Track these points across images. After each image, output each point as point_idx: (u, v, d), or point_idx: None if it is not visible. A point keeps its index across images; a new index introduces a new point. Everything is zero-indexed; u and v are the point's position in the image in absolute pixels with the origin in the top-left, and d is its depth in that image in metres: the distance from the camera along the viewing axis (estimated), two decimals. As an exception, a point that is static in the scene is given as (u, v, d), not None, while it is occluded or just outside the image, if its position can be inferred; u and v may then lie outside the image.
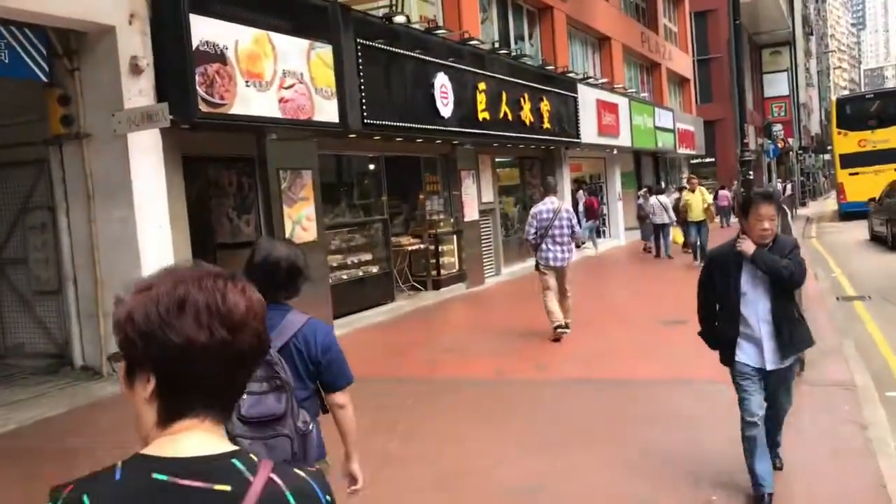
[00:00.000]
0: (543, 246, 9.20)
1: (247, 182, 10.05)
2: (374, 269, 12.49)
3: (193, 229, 9.63)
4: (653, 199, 20.79)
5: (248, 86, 8.69)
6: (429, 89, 12.36)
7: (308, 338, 2.76)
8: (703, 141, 35.52)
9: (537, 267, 9.43)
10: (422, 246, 13.90)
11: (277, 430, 2.49)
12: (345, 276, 11.79)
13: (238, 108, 8.52)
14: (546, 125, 16.89)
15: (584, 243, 21.54)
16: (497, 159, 17.15)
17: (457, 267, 14.75)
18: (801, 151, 52.49)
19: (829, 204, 46.14)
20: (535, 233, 9.24)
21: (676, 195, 26.02)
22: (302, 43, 9.62)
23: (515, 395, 7.10)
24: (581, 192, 22.02)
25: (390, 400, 6.93)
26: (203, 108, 8.06)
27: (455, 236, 14.73)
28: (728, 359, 4.47)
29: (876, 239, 19.61)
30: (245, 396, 2.38)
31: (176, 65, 8.02)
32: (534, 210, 9.47)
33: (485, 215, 15.79)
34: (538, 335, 9.92)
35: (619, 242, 24.17)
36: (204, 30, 8.14)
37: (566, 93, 18.29)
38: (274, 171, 9.86)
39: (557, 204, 9.36)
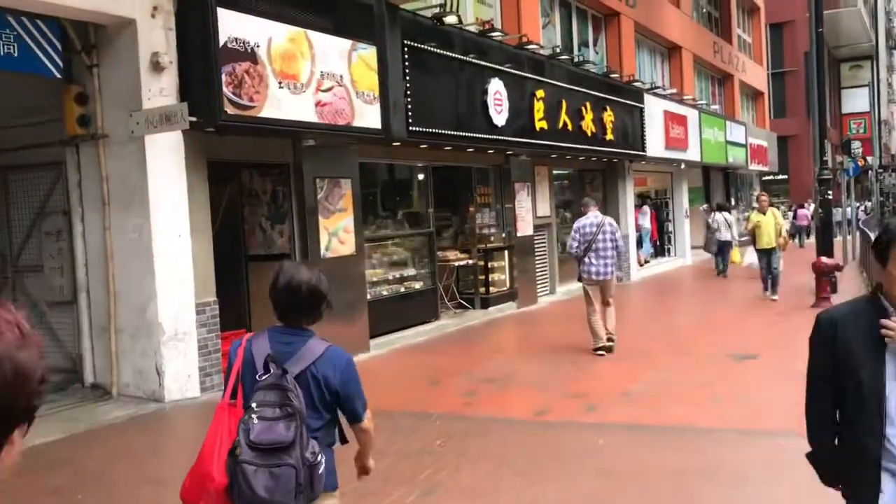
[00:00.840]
0: (587, 259, 9.35)
1: (281, 191, 9.41)
2: (418, 286, 11.75)
3: (222, 240, 9.04)
4: (717, 216, 19.59)
5: (281, 87, 8.05)
6: (482, 96, 11.58)
7: (327, 368, 2.70)
8: (776, 157, 33.86)
9: (580, 279, 9.63)
10: (470, 261, 13.11)
11: (283, 460, 2.49)
12: (385, 293, 11.07)
13: (269, 111, 7.88)
14: (609, 136, 15.93)
15: (647, 261, 20.47)
16: (555, 171, 16.25)
17: (508, 284, 13.90)
18: (881, 170, 49.97)
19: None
20: (578, 246, 9.37)
21: (747, 214, 24.55)
22: (343, 43, 8.95)
23: (559, 441, 6.23)
24: (645, 206, 20.87)
25: (415, 441, 6.15)
26: (229, 109, 7.44)
27: (507, 252, 13.88)
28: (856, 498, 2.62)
29: None
30: (255, 421, 2.51)
31: (201, 63, 7.43)
32: (577, 224, 9.55)
33: (540, 230, 14.91)
34: (590, 362, 9.02)
35: (686, 262, 22.92)
36: (233, 25, 7.53)
37: (632, 103, 17.28)
38: (310, 179, 9.22)
39: (601, 218, 9.49)
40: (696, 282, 19.03)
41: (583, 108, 14.78)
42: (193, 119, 7.04)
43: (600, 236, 9.27)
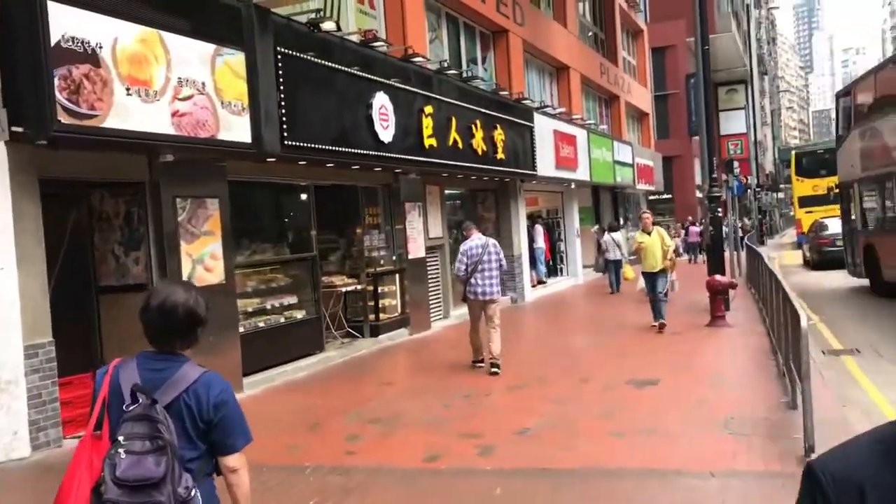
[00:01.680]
0: (472, 280, 9.67)
1: (136, 213, 8.32)
2: (300, 315, 10.79)
3: (67, 270, 7.87)
4: (606, 237, 19.52)
5: (129, 94, 7.01)
6: (366, 110, 10.80)
7: (200, 393, 2.52)
8: (661, 177, 34.61)
9: (464, 299, 9.97)
10: (358, 286, 12.25)
11: (153, 497, 2.33)
12: (261, 324, 10.07)
13: (115, 122, 6.83)
14: (500, 155, 15.45)
15: (542, 282, 20.12)
16: (447, 191, 15.64)
17: (399, 310, 13.11)
18: (758, 189, 52.23)
19: (787, 243, 45.65)
20: (465, 269, 9.68)
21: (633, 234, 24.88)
22: (205, 47, 8.00)
23: (452, 492, 5.47)
24: (538, 225, 20.55)
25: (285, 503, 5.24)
26: (64, 118, 6.36)
27: (397, 275, 13.11)
28: None
29: (806, 263, 26.50)
30: (123, 455, 2.33)
31: (28, 64, 6.33)
32: (463, 247, 9.85)
33: (432, 252, 14.25)
34: (484, 393, 8.32)
35: (578, 281, 22.78)
36: (69, 22, 6.47)
37: (522, 122, 16.91)
38: (169, 199, 8.19)
39: (485, 240, 9.90)
40: (589, 302, 18.77)
41: (473, 126, 14.24)
42: (18, 129, 5.96)
43: (485, 257, 9.65)
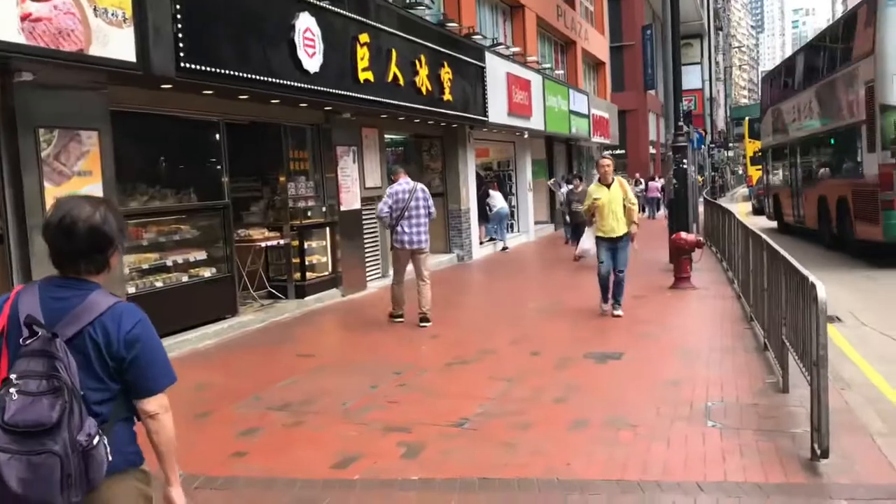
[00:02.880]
0: (399, 228, 9.20)
1: (-15, 145, 6.66)
2: (208, 273, 9.26)
3: None
4: (565, 188, 18.36)
5: (-45, -14, 5.35)
6: (288, 32, 9.19)
7: (109, 327, 2.21)
8: (617, 130, 33.42)
9: (392, 248, 9.56)
10: (282, 241, 10.73)
11: (45, 446, 2.06)
12: (159, 283, 8.52)
13: (-68, 20, 5.18)
14: (447, 97, 13.95)
15: (491, 238, 18.81)
16: (387, 136, 14.10)
17: (329, 268, 11.66)
18: (711, 145, 51.60)
19: (739, 197, 45.19)
20: (390, 211, 9.18)
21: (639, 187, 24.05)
22: (70, -65, 6.31)
23: (363, 517, 4.12)
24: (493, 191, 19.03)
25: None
26: None
27: (328, 229, 11.62)
28: None
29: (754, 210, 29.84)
30: (15, 396, 2.09)
31: None
32: (390, 189, 9.41)
33: (369, 203, 12.75)
34: (417, 370, 6.97)
35: (529, 238, 21.54)
36: None
37: (472, 61, 15.38)
38: (28, 129, 6.55)
39: (413, 184, 9.33)
40: (542, 260, 17.53)
41: (416, 62, 12.69)
42: None
43: (413, 203, 9.15)
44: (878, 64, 12.82)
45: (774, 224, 22.51)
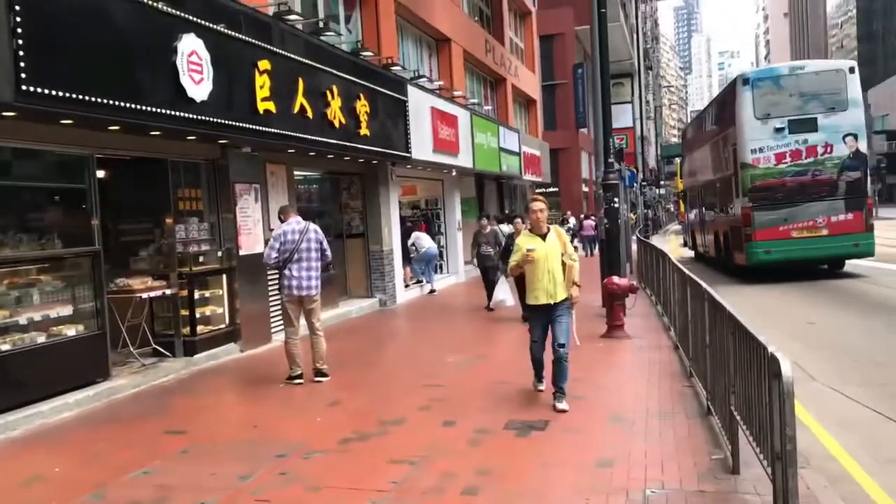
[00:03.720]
0: (287, 272, 8.31)
1: None
2: (72, 331, 7.94)
3: None
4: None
5: None
6: (168, 55, 8.05)
7: None
8: (549, 168, 32.94)
9: (281, 298, 8.71)
10: (168, 291, 9.45)
11: None
12: (6, 346, 7.18)
13: None
14: (364, 131, 12.94)
15: (418, 281, 17.75)
16: (299, 172, 12.99)
17: (226, 320, 10.40)
18: (644, 183, 51.85)
19: (674, 238, 45.27)
20: (278, 256, 8.28)
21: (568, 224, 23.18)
22: None
23: None
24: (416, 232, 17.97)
25: None
26: None
27: (224, 276, 10.39)
28: None
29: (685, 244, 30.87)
30: None
31: None
32: (277, 231, 8.53)
33: (276, 247, 11.57)
34: (309, 451, 5.81)
35: (458, 279, 20.55)
36: None
37: (392, 94, 14.45)
38: None
39: (304, 224, 8.52)
40: (468, 304, 16.49)
41: (328, 92, 11.66)
42: None
43: (304, 245, 8.30)
44: (738, 131, 17.18)
45: (692, 253, 26.81)
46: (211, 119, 8.72)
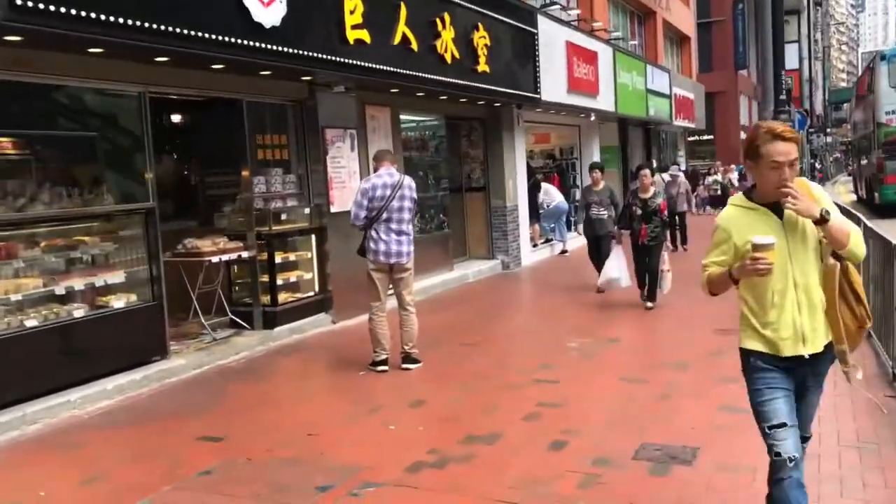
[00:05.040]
0: (373, 233, 6.72)
1: None
2: (121, 303, 6.76)
3: None
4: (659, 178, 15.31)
5: None
6: (227, -31, 6.59)
7: None
8: (703, 113, 29.79)
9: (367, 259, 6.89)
10: (245, 254, 8.17)
11: None
12: (33, 322, 6.04)
13: None
14: (483, 67, 11.15)
15: (547, 240, 15.90)
16: (406, 116, 11.39)
17: (315, 287, 9.05)
18: (810, 130, 46.92)
19: (842, 190, 40.63)
20: (367, 215, 6.68)
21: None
22: None
23: None
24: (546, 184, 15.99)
25: None
26: None
27: (313, 236, 9.01)
28: None
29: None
30: None
31: None
32: (365, 185, 6.84)
33: (378, 202, 10.08)
34: (365, 483, 4.26)
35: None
36: None
37: (519, 24, 12.53)
38: None
39: (398, 177, 6.83)
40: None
41: (438, 21, 9.94)
42: None
43: (395, 202, 6.68)
44: (875, 97, 21.79)
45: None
46: (284, 49, 7.22)
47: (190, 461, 4.84)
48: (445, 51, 10.12)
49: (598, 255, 10.58)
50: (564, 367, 6.79)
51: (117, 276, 6.81)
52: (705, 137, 40.35)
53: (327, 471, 4.57)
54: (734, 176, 26.84)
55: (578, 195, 18.15)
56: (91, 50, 5.96)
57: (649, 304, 9.06)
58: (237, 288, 8.70)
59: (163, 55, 6.43)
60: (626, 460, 4.57)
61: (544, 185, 15.40)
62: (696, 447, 4.72)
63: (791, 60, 48.93)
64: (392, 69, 8.96)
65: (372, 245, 6.70)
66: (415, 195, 6.87)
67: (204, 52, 6.48)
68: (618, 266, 9.37)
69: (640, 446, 4.76)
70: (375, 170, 6.94)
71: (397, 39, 9.06)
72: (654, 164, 19.46)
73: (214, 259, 7.77)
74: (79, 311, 6.38)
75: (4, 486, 4.58)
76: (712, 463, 4.51)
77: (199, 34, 6.30)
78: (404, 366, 6.80)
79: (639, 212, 9.03)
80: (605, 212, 10.53)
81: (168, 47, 6.17)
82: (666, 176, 16.23)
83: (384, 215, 6.62)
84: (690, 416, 5.37)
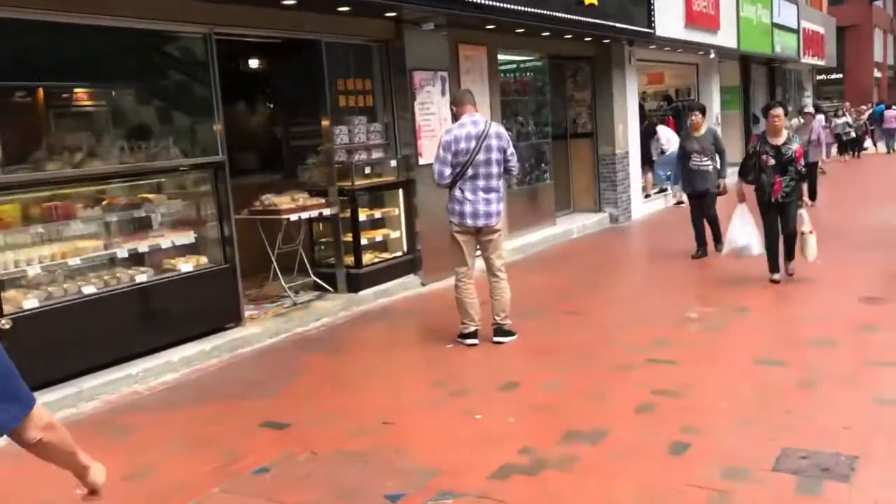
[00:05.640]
0: (457, 193, 5.85)
1: None
2: (189, 266, 6.23)
3: None
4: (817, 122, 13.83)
5: None
6: None
7: None
8: (833, 49, 27.18)
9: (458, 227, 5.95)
10: (326, 211, 7.51)
11: None
12: (91, 288, 5.56)
13: None
14: (590, 0, 10.01)
15: (661, 190, 14.65)
16: (503, 56, 10.40)
17: (404, 247, 8.34)
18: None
19: None
20: (451, 174, 5.79)
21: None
22: None
23: None
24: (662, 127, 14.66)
25: None
26: None
27: (401, 192, 8.27)
28: None
29: None
30: None
31: None
32: (446, 137, 5.84)
33: (474, 152, 9.22)
34: (441, 492, 3.54)
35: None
36: None
37: (630, -49, 11.25)
38: None
39: (483, 125, 5.82)
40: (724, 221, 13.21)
41: (539, -54, 8.86)
42: None
43: (481, 155, 5.75)
44: None
45: None
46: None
47: (248, 454, 4.22)
48: (548, -19, 9.05)
49: (700, 215, 9.05)
50: (683, 344, 5.82)
51: (185, 237, 6.29)
52: (833, 76, 37.29)
53: (400, 473, 3.86)
54: (864, 118, 24.65)
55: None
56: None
57: (790, 272, 7.42)
58: (321, 247, 8.08)
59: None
60: (764, 472, 3.65)
61: (661, 128, 14.06)
62: (854, 456, 3.75)
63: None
64: (485, 2, 8.00)
65: (456, 206, 5.83)
66: (506, 144, 5.86)
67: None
68: (744, 230, 7.50)
69: (782, 452, 3.82)
70: (456, 117, 5.98)
71: (495, -31, 8.08)
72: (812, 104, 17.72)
73: (293, 217, 7.14)
74: (142, 276, 5.87)
75: (39, 478, 4.09)
76: (877, 479, 3.56)
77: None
78: (496, 339, 6.00)
79: (771, 161, 7.12)
80: (710, 162, 8.86)
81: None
82: (819, 118, 14.58)
83: (470, 171, 5.72)
84: (842, 410, 4.37)
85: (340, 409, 4.87)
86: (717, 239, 8.93)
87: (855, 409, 4.39)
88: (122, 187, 6.13)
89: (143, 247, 5.99)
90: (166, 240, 6.13)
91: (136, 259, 5.99)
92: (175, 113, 6.59)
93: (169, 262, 6.19)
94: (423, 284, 8.24)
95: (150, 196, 6.18)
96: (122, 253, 5.84)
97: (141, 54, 6.25)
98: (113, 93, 6.30)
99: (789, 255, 7.40)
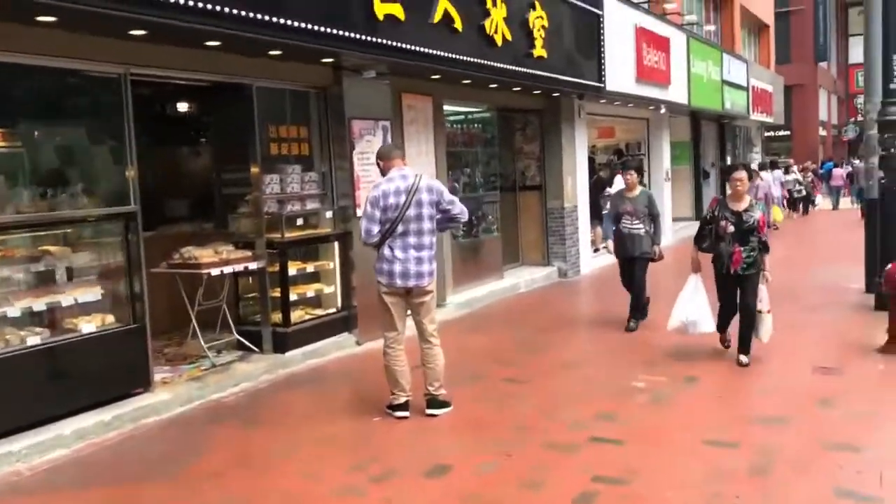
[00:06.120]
0: (387, 252, 5.40)
1: None
2: (90, 326, 5.64)
3: None
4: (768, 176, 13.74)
5: None
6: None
7: None
8: (782, 107, 27.70)
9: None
10: (252, 265, 6.99)
11: None
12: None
13: None
14: (539, 52, 9.79)
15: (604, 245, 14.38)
16: (451, 108, 10.10)
17: (337, 303, 7.84)
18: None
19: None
20: (380, 231, 5.35)
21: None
22: None
23: None
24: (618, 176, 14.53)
25: None
26: None
27: (337, 244, 7.81)
28: None
29: None
30: None
31: None
32: (374, 192, 5.43)
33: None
34: None
35: (666, 240, 16.82)
36: None
37: (582, 4, 11.11)
38: None
39: (412, 179, 5.40)
40: (678, 275, 12.96)
41: (488, -2, 8.62)
42: None
43: (412, 210, 5.33)
44: None
45: None
46: (295, 24, 6.00)
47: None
48: (496, 32, 8.80)
49: (630, 281, 8.35)
50: (629, 419, 5.40)
51: (91, 294, 5.71)
52: (781, 133, 38.06)
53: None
54: (810, 175, 25.04)
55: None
56: (39, 19, 4.82)
57: (743, 360, 6.58)
58: (247, 303, 7.55)
59: (137, 27, 5.26)
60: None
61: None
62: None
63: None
64: (431, 51, 7.67)
65: (385, 266, 5.38)
66: (437, 197, 5.39)
67: (190, 24, 5.29)
68: (694, 303, 6.79)
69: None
70: (384, 172, 5.54)
71: (438, 17, 7.77)
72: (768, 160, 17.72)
73: (214, 271, 6.61)
74: (34, 339, 5.28)
75: None
76: None
77: (182, 1, 5.12)
78: (429, 411, 5.53)
79: (731, 228, 6.47)
80: (641, 225, 8.14)
81: (143, 16, 5.00)
82: (778, 174, 14.60)
83: (400, 228, 5.29)
84: (798, 503, 3.98)
85: (244, 497, 4.32)
86: (636, 310, 8.31)
87: (813, 501, 4.00)
88: (21, 238, 5.56)
89: (38, 305, 5.40)
90: (68, 297, 5.56)
91: (32, 318, 5.39)
92: (83, 158, 6.05)
93: (70, 321, 5.60)
94: (359, 343, 7.74)
95: (52, 248, 5.61)
96: (13, 312, 5.24)
97: (48, 94, 5.74)
98: (15, 135, 5.74)
99: (743, 342, 6.62)
